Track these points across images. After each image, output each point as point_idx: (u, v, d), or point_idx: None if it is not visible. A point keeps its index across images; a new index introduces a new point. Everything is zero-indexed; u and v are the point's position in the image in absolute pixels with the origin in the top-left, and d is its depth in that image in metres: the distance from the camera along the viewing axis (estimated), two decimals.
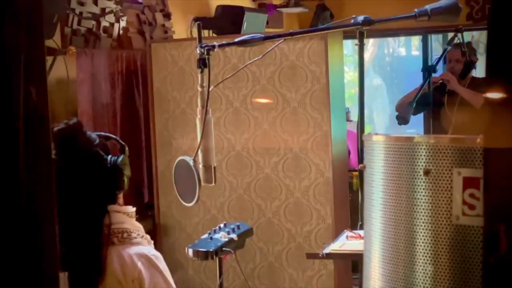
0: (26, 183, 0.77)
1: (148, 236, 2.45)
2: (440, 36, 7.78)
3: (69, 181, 2.21)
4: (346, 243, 2.72)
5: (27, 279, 0.90)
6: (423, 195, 1.36)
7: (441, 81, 4.92)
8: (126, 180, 2.31)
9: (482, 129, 1.19)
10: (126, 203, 2.42)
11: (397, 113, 4.50)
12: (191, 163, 2.32)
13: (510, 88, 1.07)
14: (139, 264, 2.21)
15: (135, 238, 2.28)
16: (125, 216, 2.31)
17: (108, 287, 2.22)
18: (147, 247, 2.30)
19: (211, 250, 2.82)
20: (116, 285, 2.22)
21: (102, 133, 2.38)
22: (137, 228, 2.34)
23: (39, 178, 0.80)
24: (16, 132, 0.74)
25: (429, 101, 4.39)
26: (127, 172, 2.32)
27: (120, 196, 2.35)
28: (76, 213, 2.22)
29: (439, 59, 4.32)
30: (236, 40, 2.56)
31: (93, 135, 2.31)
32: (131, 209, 2.36)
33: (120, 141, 2.39)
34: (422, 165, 1.36)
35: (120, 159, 2.30)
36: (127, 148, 2.37)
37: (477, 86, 4.94)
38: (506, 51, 1.07)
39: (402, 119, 4.27)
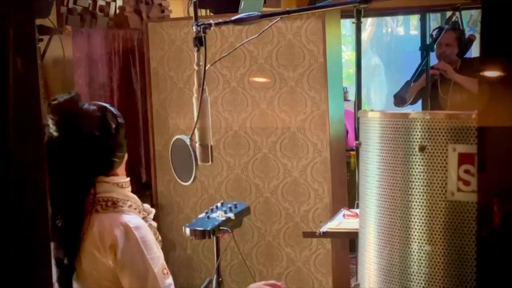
0: (16, 158, 0.77)
1: (147, 207, 2.47)
2: (438, 15, 7.75)
3: (63, 152, 2.25)
4: (343, 221, 2.73)
5: (18, 256, 0.90)
6: (418, 172, 1.36)
7: (438, 72, 4.88)
8: (122, 155, 2.37)
9: (477, 108, 1.18)
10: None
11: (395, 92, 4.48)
12: (188, 141, 2.31)
13: (504, 66, 1.06)
14: (117, 231, 2.23)
15: (121, 207, 2.30)
16: (114, 186, 2.33)
17: (86, 251, 2.26)
18: (131, 216, 2.30)
19: (208, 229, 2.81)
20: (94, 251, 2.25)
21: (99, 104, 2.40)
22: (127, 198, 2.35)
23: (30, 152, 0.80)
24: (5, 105, 0.73)
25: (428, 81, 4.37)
26: (124, 149, 2.38)
27: (117, 167, 2.38)
28: (63, 185, 2.27)
29: (436, 38, 4.29)
30: (233, 18, 2.53)
31: (91, 108, 2.34)
32: (122, 179, 2.37)
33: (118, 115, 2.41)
34: (417, 141, 1.36)
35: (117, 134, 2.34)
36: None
37: (468, 67, 4.92)
38: (500, 29, 1.07)
39: (400, 99, 4.25)
